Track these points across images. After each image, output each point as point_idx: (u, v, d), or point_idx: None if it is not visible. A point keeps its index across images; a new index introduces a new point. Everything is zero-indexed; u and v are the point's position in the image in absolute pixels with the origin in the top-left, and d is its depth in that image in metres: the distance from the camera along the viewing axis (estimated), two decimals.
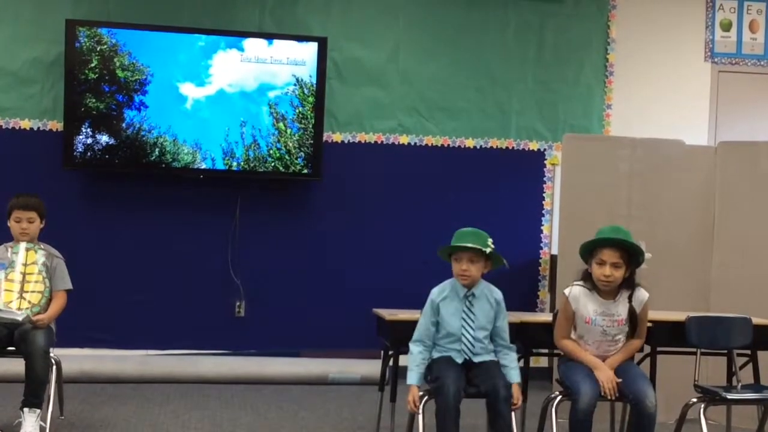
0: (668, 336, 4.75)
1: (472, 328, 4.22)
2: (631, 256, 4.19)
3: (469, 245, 4.19)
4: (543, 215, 6.93)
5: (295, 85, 6.44)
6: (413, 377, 4.18)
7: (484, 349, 4.24)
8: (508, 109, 6.92)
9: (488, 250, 4.21)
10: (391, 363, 4.71)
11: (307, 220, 6.71)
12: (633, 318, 4.23)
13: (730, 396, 4.43)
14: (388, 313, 4.72)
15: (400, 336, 4.53)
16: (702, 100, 7.15)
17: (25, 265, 4.69)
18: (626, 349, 4.28)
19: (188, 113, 6.35)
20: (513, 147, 6.93)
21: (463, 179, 6.84)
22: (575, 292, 4.28)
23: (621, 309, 4.23)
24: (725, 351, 4.80)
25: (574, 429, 4.01)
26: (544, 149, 6.96)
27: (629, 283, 4.24)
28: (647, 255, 4.22)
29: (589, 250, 4.25)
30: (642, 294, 4.28)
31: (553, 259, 6.63)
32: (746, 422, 5.19)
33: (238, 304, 6.61)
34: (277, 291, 6.65)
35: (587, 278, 4.27)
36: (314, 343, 6.64)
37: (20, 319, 4.51)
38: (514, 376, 4.20)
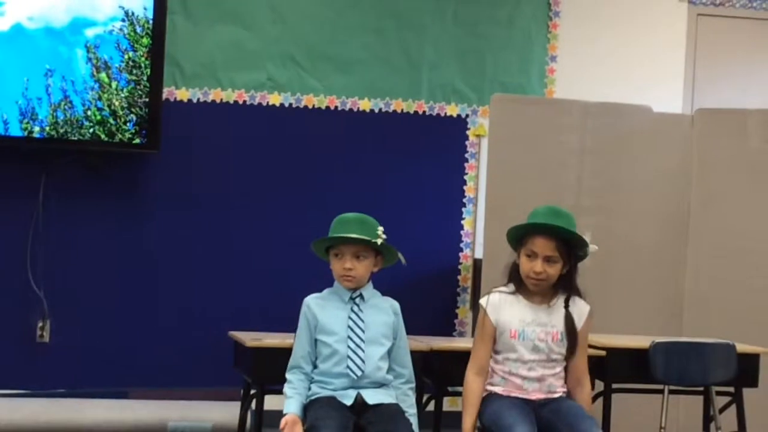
0: (627, 368, 4.86)
1: (362, 339, 4.26)
2: (572, 248, 4.27)
3: (354, 236, 4.24)
4: (464, 205, 7.00)
5: (123, 20, 6.37)
6: (292, 405, 4.21)
7: (382, 381, 4.27)
8: (418, 59, 6.97)
9: (379, 241, 4.27)
10: (254, 406, 4.70)
11: (139, 208, 6.67)
12: (571, 333, 4.29)
13: None
14: (250, 338, 4.72)
15: (266, 369, 4.52)
16: (676, 52, 7.33)
17: None
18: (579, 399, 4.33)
19: None
20: (424, 111, 6.99)
21: (355, 154, 6.88)
22: (494, 299, 4.34)
23: (556, 319, 4.31)
24: (701, 388, 4.93)
25: None
26: (467, 115, 7.04)
27: (567, 285, 4.32)
28: (592, 247, 4.29)
29: (518, 237, 4.32)
30: (582, 305, 4.36)
31: (477, 264, 6.70)
32: None
33: (40, 324, 6.53)
34: (97, 307, 6.58)
35: (514, 275, 4.34)
36: (147, 379, 6.59)
37: None
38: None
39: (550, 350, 4.29)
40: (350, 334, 4.27)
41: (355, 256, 4.28)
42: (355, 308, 4.31)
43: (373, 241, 4.25)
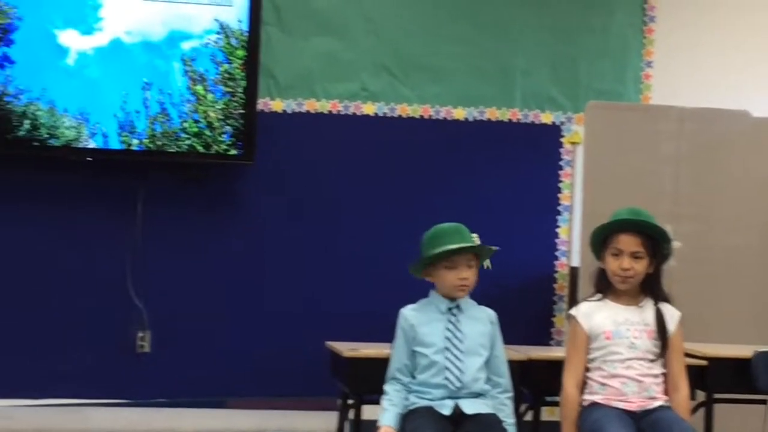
0: (729, 378, 4.80)
1: (460, 350, 4.26)
2: (656, 245, 4.27)
3: (473, 244, 4.30)
4: (559, 213, 6.96)
5: (219, 33, 6.43)
6: (388, 417, 4.23)
7: (480, 391, 4.27)
8: (511, 67, 6.95)
9: (495, 248, 4.38)
10: (351, 416, 4.72)
11: (235, 219, 6.72)
12: (662, 331, 4.29)
13: None
14: (347, 348, 4.74)
15: (364, 379, 4.54)
16: None
17: None
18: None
19: (70, 72, 6.32)
20: (518, 119, 6.97)
21: (448, 163, 6.87)
22: (584, 308, 4.39)
23: (648, 317, 4.32)
24: None
25: None
26: (561, 122, 7.00)
27: (653, 287, 4.33)
28: (675, 243, 4.30)
29: (601, 240, 4.35)
30: (672, 309, 4.36)
31: (574, 272, 6.66)
32: None
33: (140, 335, 6.60)
34: (195, 317, 6.64)
35: (600, 281, 4.37)
36: (245, 388, 6.64)
37: None
38: None
39: (647, 348, 4.29)
40: (448, 345, 4.27)
41: (467, 265, 4.31)
42: (453, 319, 4.31)
43: (491, 248, 4.35)
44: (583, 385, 4.36)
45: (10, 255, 6.49)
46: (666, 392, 4.31)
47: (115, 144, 6.36)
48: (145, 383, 6.62)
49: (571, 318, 4.40)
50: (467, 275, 4.31)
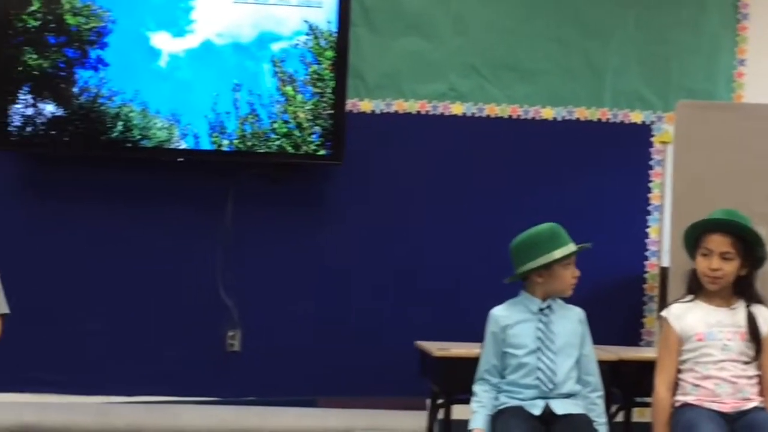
0: None
1: (552, 351, 4.27)
2: (749, 248, 4.23)
3: (587, 245, 4.47)
4: (649, 213, 6.91)
5: (308, 34, 6.47)
6: (478, 419, 4.27)
7: (571, 391, 4.27)
8: (600, 66, 6.91)
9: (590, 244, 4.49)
10: (441, 415, 4.73)
11: (324, 219, 6.76)
12: (754, 333, 4.25)
13: None
14: (437, 347, 4.76)
15: (453, 378, 4.56)
16: None
17: None
18: None
19: (162, 74, 6.41)
20: (608, 119, 6.92)
21: (537, 163, 6.85)
22: (675, 310, 4.38)
23: (740, 319, 4.29)
24: None
25: None
26: (651, 122, 6.94)
27: (746, 289, 4.29)
28: None
29: (694, 240, 4.34)
30: (765, 312, 4.33)
31: (664, 272, 6.60)
32: None
33: (230, 334, 6.68)
34: (285, 316, 6.70)
35: (691, 282, 4.36)
36: (335, 387, 6.66)
37: None
38: None
39: (740, 350, 4.26)
40: (540, 346, 4.28)
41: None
42: (544, 319, 4.32)
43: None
44: (675, 387, 4.33)
45: (103, 255, 6.59)
46: (761, 393, 4.27)
47: (205, 145, 6.43)
48: (235, 382, 6.68)
49: (662, 320, 4.39)
50: (577, 273, 4.37)
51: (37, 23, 6.29)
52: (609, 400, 4.73)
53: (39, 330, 6.39)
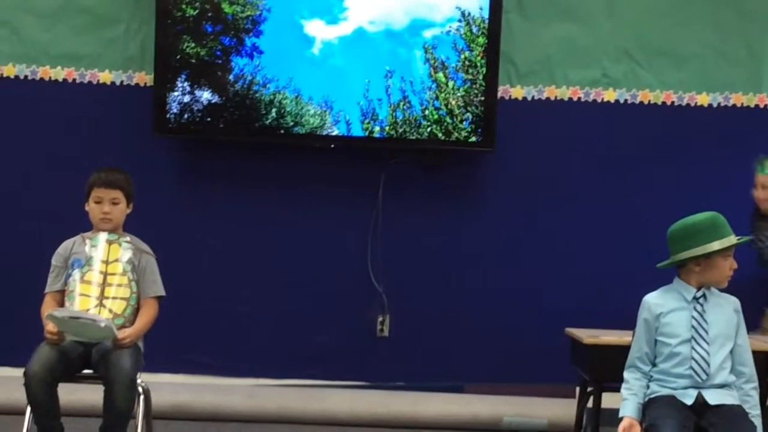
0: None
1: (706, 341, 4.24)
2: None
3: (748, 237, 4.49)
4: None
5: (460, 21, 6.50)
6: (628, 407, 4.25)
7: (724, 383, 4.23)
8: (759, 51, 6.79)
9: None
10: (590, 404, 4.73)
11: (474, 206, 6.78)
12: None
13: None
14: (588, 335, 4.75)
15: (604, 366, 4.55)
16: None
17: (107, 262, 4.86)
18: None
19: (316, 61, 6.50)
20: (766, 105, 6.80)
21: (692, 150, 6.77)
22: None
23: None
24: None
25: None
26: None
27: None
28: None
29: None
30: None
31: None
32: None
33: (380, 319, 6.75)
34: (434, 302, 6.74)
35: None
36: (483, 374, 6.71)
37: (102, 325, 4.54)
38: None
39: None
40: (694, 335, 4.24)
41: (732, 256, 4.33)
42: (699, 308, 4.28)
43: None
44: None
45: (257, 240, 6.73)
46: None
47: (357, 131, 6.51)
48: (384, 367, 6.76)
49: None
50: (735, 265, 4.33)
51: (195, 12, 6.44)
52: (764, 391, 4.66)
53: (193, 312, 6.56)
